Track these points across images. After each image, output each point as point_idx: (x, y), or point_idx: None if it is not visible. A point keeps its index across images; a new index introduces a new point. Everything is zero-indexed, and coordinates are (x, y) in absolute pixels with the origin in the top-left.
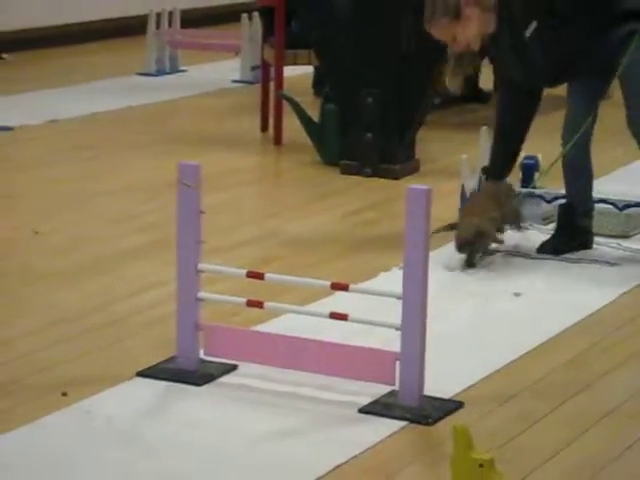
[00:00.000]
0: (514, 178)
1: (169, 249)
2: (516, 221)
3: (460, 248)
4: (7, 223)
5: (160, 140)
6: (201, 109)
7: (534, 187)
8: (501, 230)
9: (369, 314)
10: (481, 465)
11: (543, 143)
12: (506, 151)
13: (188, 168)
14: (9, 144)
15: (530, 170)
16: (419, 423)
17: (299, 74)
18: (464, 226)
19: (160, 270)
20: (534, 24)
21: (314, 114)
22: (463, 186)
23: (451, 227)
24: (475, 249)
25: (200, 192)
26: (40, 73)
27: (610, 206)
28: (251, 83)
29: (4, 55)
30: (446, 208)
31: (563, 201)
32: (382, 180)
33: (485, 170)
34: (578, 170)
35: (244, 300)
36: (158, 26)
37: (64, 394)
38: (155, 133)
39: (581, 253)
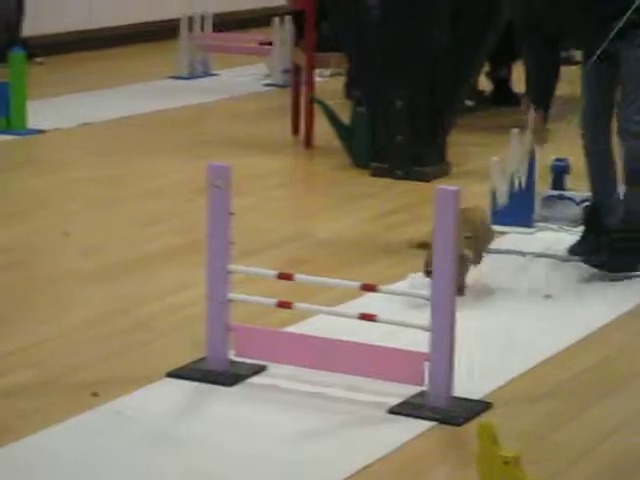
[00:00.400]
0: (544, 181)
1: (199, 251)
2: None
3: (429, 273)
4: (38, 225)
5: (191, 143)
6: (232, 112)
7: (564, 189)
8: (479, 253)
9: (398, 315)
10: (506, 462)
11: (573, 146)
12: (540, 85)
13: (218, 170)
14: (41, 146)
15: (561, 173)
16: (448, 424)
17: (330, 77)
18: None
19: (190, 272)
20: None
21: (345, 117)
22: (493, 189)
23: (422, 246)
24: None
25: (230, 194)
26: (73, 77)
27: None
28: (282, 86)
29: (38, 59)
30: None
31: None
32: (413, 183)
33: (533, 101)
34: (600, 164)
35: (274, 301)
36: (190, 30)
37: (95, 394)
38: (186, 136)
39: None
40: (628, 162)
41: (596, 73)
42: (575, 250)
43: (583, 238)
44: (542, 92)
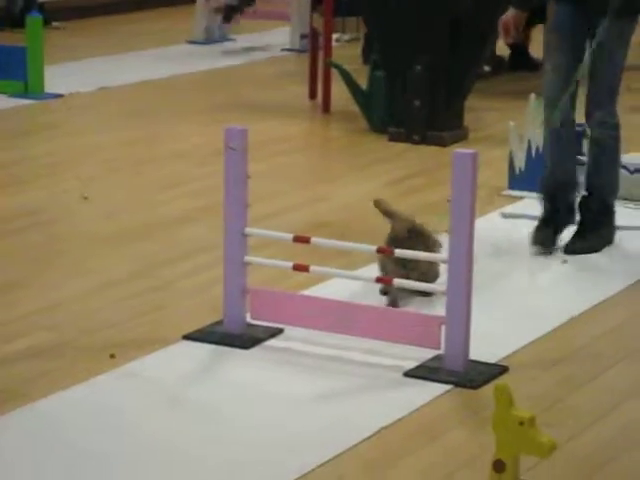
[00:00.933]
0: None
1: (217, 214)
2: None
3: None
4: (57, 188)
5: (209, 108)
6: (250, 77)
7: (581, 154)
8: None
9: None
10: (522, 423)
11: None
12: None
13: (235, 133)
14: (60, 111)
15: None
16: (464, 387)
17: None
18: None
19: (208, 235)
20: None
21: (362, 82)
22: (511, 153)
23: (387, 214)
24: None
25: (246, 157)
26: (90, 41)
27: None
28: (300, 51)
29: (55, 23)
30: (494, 175)
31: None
32: (430, 147)
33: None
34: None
35: (290, 264)
36: None
37: (112, 356)
38: (204, 101)
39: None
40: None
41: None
42: (539, 239)
43: (545, 222)
44: None
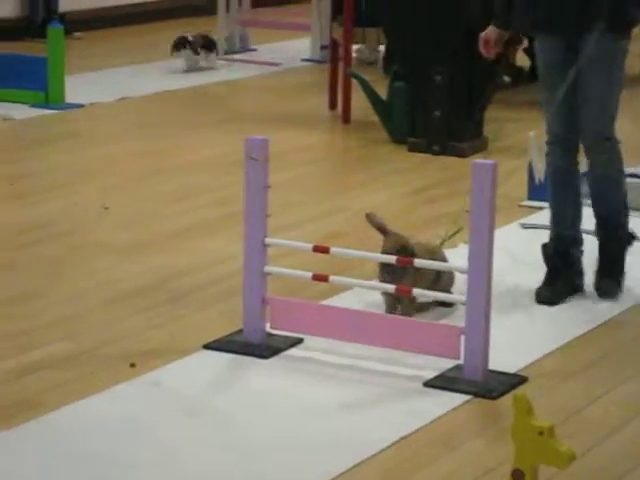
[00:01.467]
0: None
1: (237, 224)
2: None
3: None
4: (78, 198)
5: (229, 118)
6: (270, 87)
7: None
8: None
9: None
10: (541, 432)
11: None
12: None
13: (256, 143)
14: (80, 121)
15: None
16: (483, 397)
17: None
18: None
19: (228, 245)
20: None
21: (383, 92)
22: (531, 163)
23: (380, 229)
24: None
25: (267, 167)
26: (111, 52)
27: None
28: (320, 62)
29: (76, 34)
30: (514, 185)
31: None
32: (450, 158)
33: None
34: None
35: (310, 274)
36: (229, 5)
37: (132, 365)
38: (224, 111)
39: None
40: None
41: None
42: (544, 296)
43: (550, 280)
44: (505, 8)
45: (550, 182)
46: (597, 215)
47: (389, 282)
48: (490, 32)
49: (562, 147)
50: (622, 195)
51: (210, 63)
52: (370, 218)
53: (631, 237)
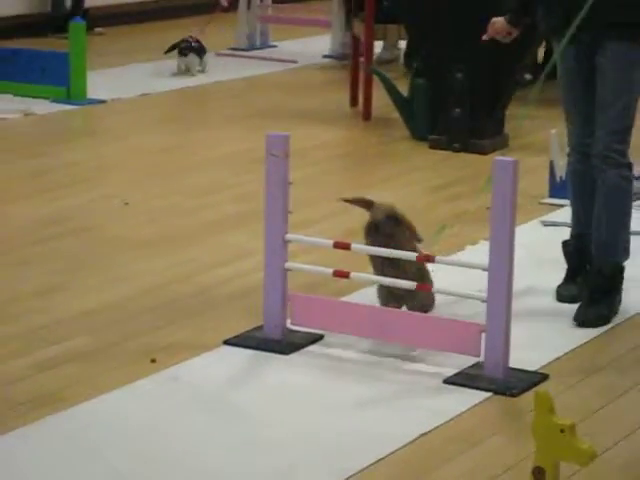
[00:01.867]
0: None
1: (257, 220)
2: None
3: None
4: (98, 194)
5: (250, 114)
6: (291, 84)
7: None
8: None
9: (455, 286)
10: (562, 430)
11: None
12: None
13: (277, 139)
14: (101, 116)
15: None
16: (503, 394)
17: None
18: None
19: (249, 241)
20: None
21: (404, 89)
22: (552, 161)
23: (363, 203)
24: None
25: (288, 163)
26: (132, 48)
27: None
28: (341, 58)
29: (98, 29)
30: (534, 183)
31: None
32: (470, 155)
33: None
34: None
35: (331, 270)
36: (250, 2)
37: (153, 361)
38: (245, 107)
39: None
40: (606, 193)
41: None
42: (565, 295)
43: (571, 278)
44: (519, 6)
45: (569, 183)
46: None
47: (388, 272)
48: (500, 23)
49: (580, 152)
50: (623, 227)
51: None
52: (347, 199)
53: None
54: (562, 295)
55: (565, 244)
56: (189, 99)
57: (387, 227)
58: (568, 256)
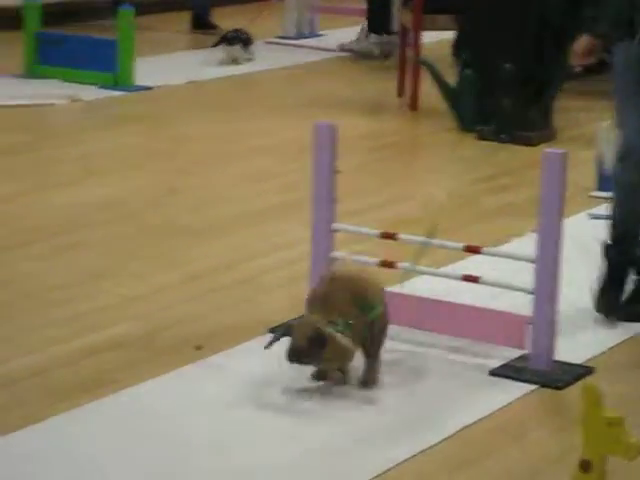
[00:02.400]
0: None
1: (302, 210)
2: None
3: (290, 356)
4: (146, 181)
5: (297, 103)
6: (338, 73)
7: None
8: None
9: (501, 278)
10: (610, 423)
11: None
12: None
13: (324, 129)
14: (148, 102)
15: None
16: (549, 387)
17: (437, 39)
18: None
19: (296, 229)
20: None
21: (452, 80)
22: (600, 154)
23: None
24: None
25: (335, 152)
26: (180, 35)
27: None
28: (385, 55)
29: (147, 16)
30: (582, 175)
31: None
32: (518, 147)
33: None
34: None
35: (377, 260)
36: None
37: (198, 348)
38: (292, 96)
39: None
40: None
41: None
42: (603, 306)
43: (610, 286)
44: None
45: (618, 192)
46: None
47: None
48: (582, 40)
49: (637, 161)
50: None
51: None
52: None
53: None
54: (600, 305)
55: (607, 249)
56: (236, 87)
57: (311, 352)
58: (610, 262)
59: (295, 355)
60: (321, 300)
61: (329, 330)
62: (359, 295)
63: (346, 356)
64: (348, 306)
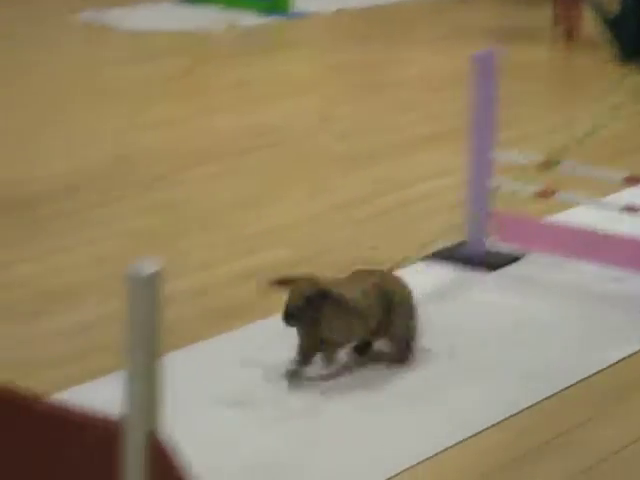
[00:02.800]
0: None
1: (455, 139)
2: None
3: (287, 318)
4: (297, 109)
5: (447, 32)
6: (492, 2)
7: None
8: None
9: None
10: None
11: None
12: None
13: (482, 57)
14: (301, 30)
15: None
16: None
17: None
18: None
19: (447, 159)
20: None
21: (613, 7)
22: None
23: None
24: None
25: (496, 80)
26: None
27: None
28: None
29: None
30: None
31: None
32: None
33: None
34: None
35: (535, 189)
36: None
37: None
38: (441, 25)
39: None
40: None
41: None
42: None
43: None
44: None
45: None
46: None
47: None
48: None
49: None
50: None
51: None
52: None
53: None
54: None
55: None
56: (383, 16)
57: (309, 312)
58: None
59: (294, 311)
60: (339, 282)
61: (334, 290)
62: (381, 283)
63: (351, 322)
64: (369, 287)
